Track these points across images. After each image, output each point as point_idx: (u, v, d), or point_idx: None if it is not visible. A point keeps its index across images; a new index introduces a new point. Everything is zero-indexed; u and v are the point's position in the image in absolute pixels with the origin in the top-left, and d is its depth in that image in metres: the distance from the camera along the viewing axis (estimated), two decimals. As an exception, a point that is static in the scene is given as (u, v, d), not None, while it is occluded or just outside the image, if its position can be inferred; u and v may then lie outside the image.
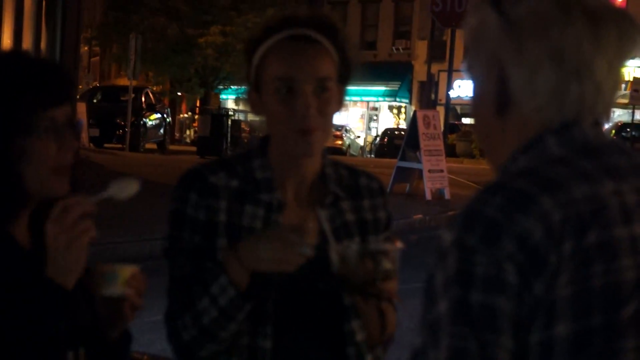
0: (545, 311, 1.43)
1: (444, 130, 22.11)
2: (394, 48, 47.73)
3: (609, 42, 1.55)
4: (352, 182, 2.40)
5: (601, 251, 1.47)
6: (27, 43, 17.98)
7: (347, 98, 2.34)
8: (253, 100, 2.31)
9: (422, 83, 43.97)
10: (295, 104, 2.22)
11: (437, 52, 34.83)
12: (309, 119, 2.22)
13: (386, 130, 42.20)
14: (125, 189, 2.06)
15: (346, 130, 42.14)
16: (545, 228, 1.44)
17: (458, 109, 41.90)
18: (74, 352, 1.99)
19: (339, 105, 2.30)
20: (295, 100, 2.22)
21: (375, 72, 41.59)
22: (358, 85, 42.13)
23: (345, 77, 2.30)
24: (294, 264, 2.14)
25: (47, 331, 1.88)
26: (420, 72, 44.60)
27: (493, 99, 1.59)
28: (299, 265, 2.14)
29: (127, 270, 2.02)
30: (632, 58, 1.61)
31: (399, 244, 2.15)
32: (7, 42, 18.01)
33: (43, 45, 17.91)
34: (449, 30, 29.32)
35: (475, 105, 1.65)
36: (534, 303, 1.43)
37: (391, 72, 45.65)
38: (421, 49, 44.60)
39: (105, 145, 26.41)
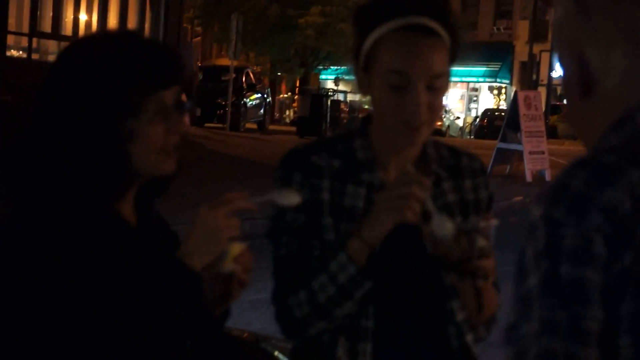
0: (635, 282, 1.44)
1: (545, 111, 21.78)
2: (495, 28, 47.14)
3: None
4: (453, 162, 2.39)
5: None
6: (131, 23, 18.30)
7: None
8: (361, 79, 2.29)
9: (523, 63, 43.36)
10: (407, 98, 2.20)
11: (539, 32, 34.33)
12: (419, 115, 2.20)
13: (486, 111, 41.80)
14: (287, 197, 2.12)
15: (446, 111, 41.87)
16: (633, 200, 1.45)
17: (559, 89, 41.24)
18: None
19: (446, 90, 2.28)
20: (407, 95, 2.20)
21: (476, 53, 41.15)
22: (458, 66, 41.16)
23: (452, 59, 2.28)
24: (415, 208, 2.12)
25: (172, 310, 1.90)
26: (521, 52, 43.99)
27: (578, 82, 1.62)
28: (418, 215, 2.13)
29: (237, 248, 2.04)
30: None
31: (494, 221, 2.14)
32: (113, 22, 18.36)
33: (147, 25, 18.21)
34: (552, 10, 28.85)
35: (565, 91, 1.69)
36: (624, 274, 1.44)
37: (492, 52, 45.12)
38: (523, 29, 43.96)
39: (206, 124, 26.71)
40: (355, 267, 2.17)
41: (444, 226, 2.11)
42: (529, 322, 1.45)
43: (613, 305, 1.45)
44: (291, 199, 2.11)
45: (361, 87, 2.30)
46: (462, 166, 2.40)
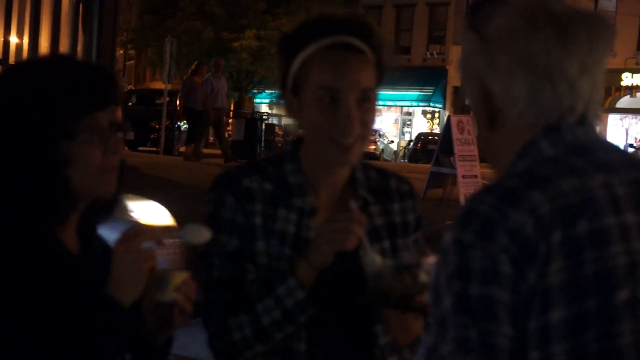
0: (539, 298, 1.52)
1: (478, 136, 22.01)
2: (428, 53, 47.57)
3: (579, 43, 1.64)
4: (381, 185, 2.42)
5: (592, 239, 1.55)
6: (64, 46, 18.11)
7: (380, 102, 2.33)
8: (289, 102, 2.30)
9: (456, 88, 43.84)
10: (338, 114, 2.21)
11: (472, 57, 34.69)
12: (351, 130, 2.22)
13: (420, 135, 42.10)
14: (197, 234, 2.09)
15: (380, 135, 42.07)
16: (535, 220, 1.53)
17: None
18: (120, 357, 1.98)
19: (375, 107, 2.29)
20: (338, 111, 2.21)
21: (410, 77, 41.48)
22: (392, 90, 42.02)
23: (380, 79, 2.30)
24: (355, 237, 2.15)
25: (98, 344, 1.89)
26: (454, 77, 44.43)
27: (484, 114, 1.71)
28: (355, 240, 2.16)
29: (179, 276, 2.02)
30: None
31: (432, 259, 2.15)
32: (45, 45, 18.17)
33: (79, 48, 18.04)
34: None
35: (474, 122, 1.77)
36: (529, 291, 1.52)
37: (425, 77, 45.49)
38: (456, 53, 44.39)
39: (140, 148, 26.50)
40: (304, 293, 2.18)
41: (373, 262, 2.13)
42: (445, 343, 1.51)
43: (521, 322, 1.52)
44: (200, 236, 2.09)
45: (290, 110, 2.31)
46: (391, 189, 2.42)
